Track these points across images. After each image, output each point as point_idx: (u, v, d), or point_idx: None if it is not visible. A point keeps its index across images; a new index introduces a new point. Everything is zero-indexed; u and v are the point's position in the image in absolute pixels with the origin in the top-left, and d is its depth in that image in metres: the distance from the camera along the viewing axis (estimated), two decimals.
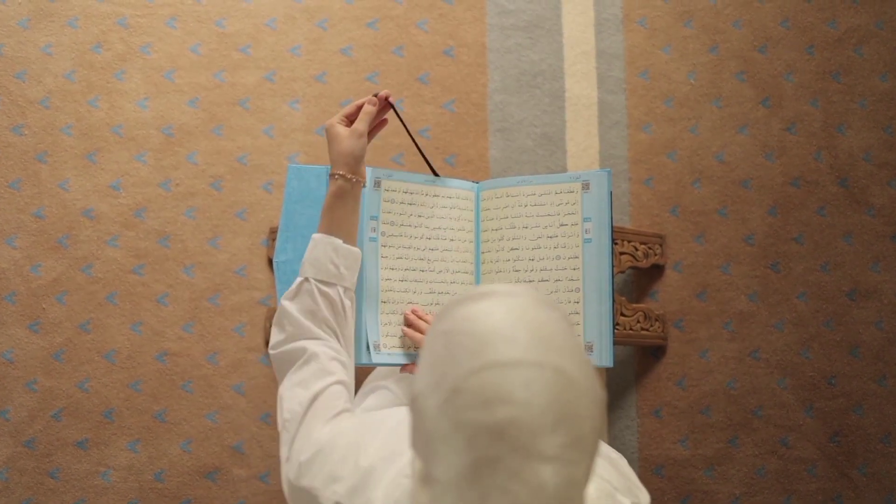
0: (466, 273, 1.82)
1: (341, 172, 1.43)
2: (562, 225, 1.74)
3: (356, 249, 1.45)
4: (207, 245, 2.11)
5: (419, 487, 0.96)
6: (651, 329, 2.04)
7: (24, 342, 2.08)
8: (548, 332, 0.90)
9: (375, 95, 1.50)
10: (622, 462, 1.26)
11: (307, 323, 1.38)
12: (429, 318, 1.68)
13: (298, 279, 1.42)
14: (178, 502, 2.05)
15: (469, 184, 1.87)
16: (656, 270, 2.11)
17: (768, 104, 2.16)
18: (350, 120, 1.48)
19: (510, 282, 1.73)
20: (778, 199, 2.13)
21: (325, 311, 1.39)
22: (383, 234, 1.76)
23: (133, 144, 2.14)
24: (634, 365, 2.10)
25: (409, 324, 1.67)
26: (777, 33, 2.17)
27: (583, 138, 2.16)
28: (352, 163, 1.44)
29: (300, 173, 1.82)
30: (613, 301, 1.69)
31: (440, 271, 1.79)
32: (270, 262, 2.06)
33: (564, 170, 2.14)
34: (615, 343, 1.81)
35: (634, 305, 2.03)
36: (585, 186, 1.73)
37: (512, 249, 1.76)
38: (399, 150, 2.14)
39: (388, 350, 1.69)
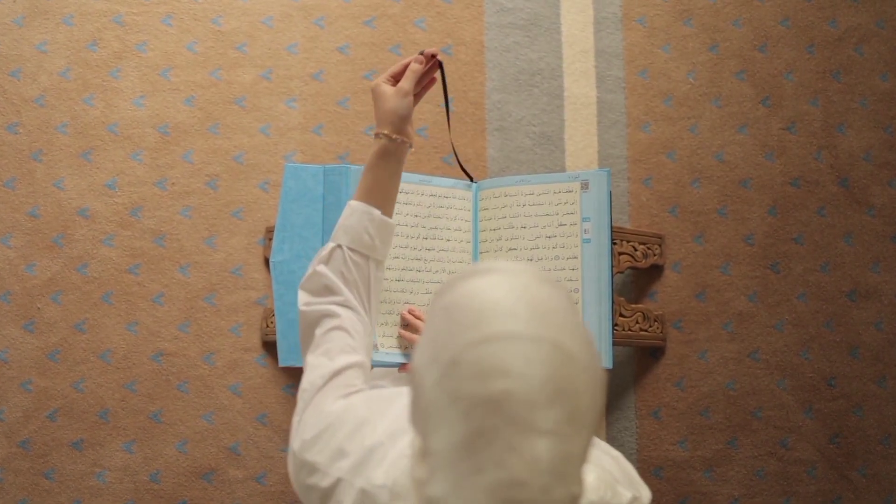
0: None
1: (385, 132, 1.39)
2: (560, 225, 1.72)
3: (392, 222, 1.41)
4: (203, 244, 2.09)
5: (417, 462, 0.95)
6: (650, 330, 2.02)
7: (19, 342, 2.05)
8: (548, 308, 0.89)
9: (422, 53, 1.45)
10: (623, 459, 1.24)
11: (340, 284, 1.35)
12: (422, 314, 1.66)
13: (331, 244, 1.38)
14: (174, 503, 2.03)
15: (465, 183, 1.85)
16: (655, 271, 2.09)
17: (768, 103, 2.14)
18: (396, 79, 1.44)
19: None
20: (778, 199, 2.11)
21: (358, 280, 1.36)
22: None
23: (128, 143, 2.11)
24: (633, 366, 2.08)
25: (405, 324, 1.65)
26: (777, 32, 2.15)
27: (581, 137, 2.14)
28: (397, 122, 1.39)
29: (297, 172, 1.81)
30: (613, 302, 1.68)
31: (437, 271, 1.77)
32: (267, 261, 2.04)
33: (563, 169, 2.12)
34: (614, 344, 1.80)
35: (633, 306, 2.01)
36: (584, 186, 1.71)
37: (510, 250, 1.74)
38: None
39: (385, 350, 1.67)
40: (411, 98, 1.41)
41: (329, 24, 2.15)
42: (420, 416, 0.90)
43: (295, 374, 2.05)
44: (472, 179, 1.83)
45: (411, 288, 1.72)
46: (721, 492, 2.04)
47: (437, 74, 1.50)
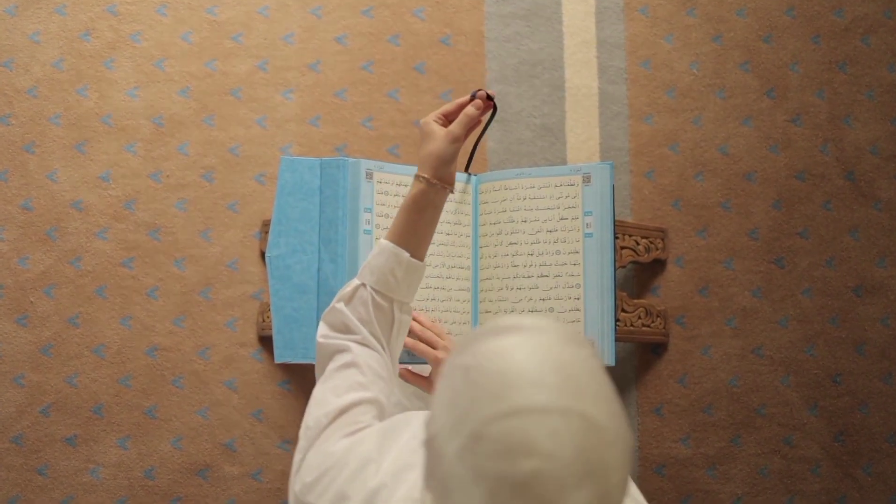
0: (463, 268, 1.76)
1: (426, 175, 1.33)
2: (562, 219, 1.67)
3: (421, 265, 1.36)
4: (199, 238, 2.05)
5: None
6: (652, 325, 1.98)
7: (12, 336, 2.01)
8: (575, 373, 0.84)
9: (474, 95, 1.39)
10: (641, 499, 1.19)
11: (358, 324, 1.31)
12: (429, 323, 1.62)
13: (355, 282, 1.34)
14: (169, 500, 1.99)
15: (466, 176, 1.81)
16: (658, 265, 2.05)
17: (773, 95, 2.09)
18: (448, 119, 1.39)
19: (508, 277, 1.68)
20: (782, 192, 2.06)
21: (377, 322, 1.32)
22: (377, 226, 1.70)
23: (123, 135, 2.07)
24: (635, 362, 2.04)
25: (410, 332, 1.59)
26: (782, 22, 2.10)
27: (583, 129, 2.09)
28: (439, 166, 1.34)
29: (293, 165, 1.77)
30: (616, 298, 1.63)
31: (437, 266, 1.73)
32: (263, 255, 1.99)
33: (564, 162, 2.07)
34: (616, 340, 1.76)
35: (635, 301, 1.97)
36: (586, 179, 1.67)
37: (510, 244, 1.70)
38: (395, 142, 2.08)
39: None
40: (461, 143, 1.37)
41: (326, 14, 2.10)
42: (439, 484, 0.86)
43: (291, 371, 2.01)
44: (468, 173, 1.79)
45: None
46: (724, 490, 2.00)
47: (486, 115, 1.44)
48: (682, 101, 2.09)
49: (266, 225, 1.99)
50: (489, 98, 1.40)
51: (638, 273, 2.05)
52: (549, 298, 1.65)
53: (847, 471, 2.00)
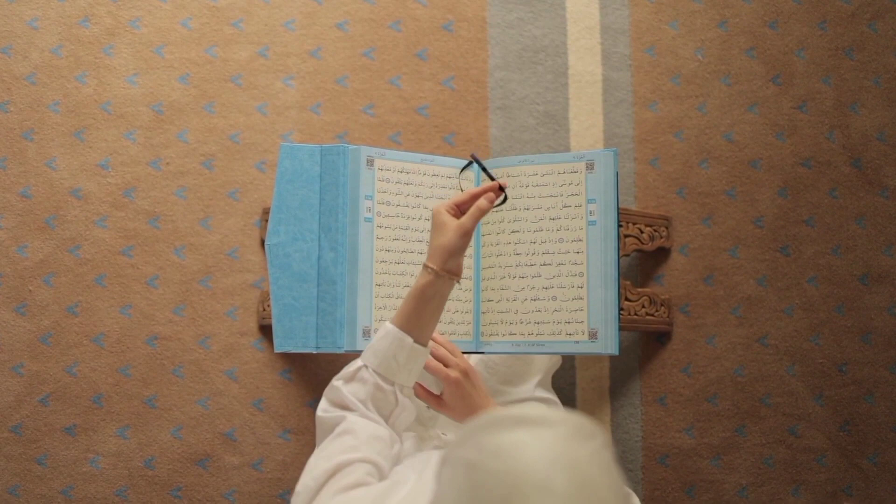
0: (466, 256, 1.72)
1: (434, 267, 1.33)
2: (565, 206, 1.63)
3: (425, 350, 1.36)
4: (199, 226, 2.01)
5: None
6: (656, 314, 1.94)
7: (10, 325, 1.98)
8: (587, 476, 0.78)
9: (474, 158, 1.44)
10: None
11: (358, 404, 1.31)
12: (442, 340, 1.57)
13: (358, 363, 1.34)
14: (169, 490, 1.96)
15: (469, 163, 1.77)
16: (662, 253, 2.01)
17: (779, 81, 2.05)
18: (460, 210, 1.37)
19: (510, 265, 1.64)
20: (788, 179, 2.02)
21: (376, 401, 1.32)
22: (378, 214, 1.66)
23: (122, 122, 2.03)
24: (639, 351, 2.00)
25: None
26: (788, 8, 2.06)
27: (586, 117, 2.05)
28: (448, 258, 1.34)
29: (293, 152, 1.72)
30: (620, 287, 1.59)
31: None
32: (264, 243, 1.96)
33: (568, 149, 2.03)
34: (620, 329, 1.72)
35: (639, 290, 1.93)
36: (590, 166, 1.63)
37: (513, 232, 1.66)
38: (396, 129, 2.04)
39: None
40: (470, 237, 1.36)
41: (327, 0, 2.06)
42: None
43: (292, 360, 1.98)
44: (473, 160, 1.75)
45: (411, 271, 1.64)
46: (728, 480, 1.96)
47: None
48: (687, 88, 2.05)
49: (267, 213, 1.95)
50: (501, 189, 1.40)
51: (642, 261, 2.01)
52: (552, 287, 1.61)
53: (853, 460, 1.96)
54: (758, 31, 2.06)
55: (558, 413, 0.84)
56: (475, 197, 1.37)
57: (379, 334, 1.35)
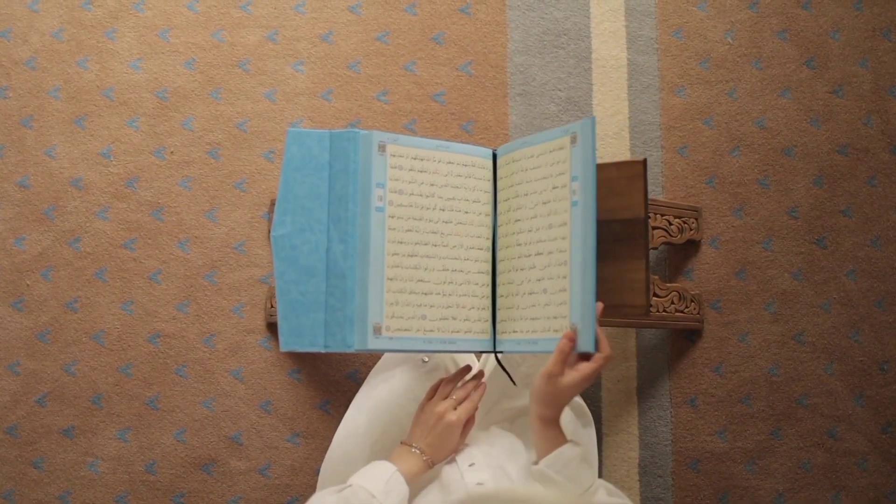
0: (482, 249, 1.48)
1: (426, 457, 1.23)
2: (554, 188, 1.38)
3: (406, 489, 1.20)
4: (204, 218, 1.78)
5: None
6: (686, 310, 1.70)
7: (7, 321, 1.76)
8: None
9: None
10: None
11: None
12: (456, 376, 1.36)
13: (346, 487, 1.20)
14: (171, 496, 1.72)
15: (485, 150, 1.53)
16: (692, 246, 1.77)
17: (813, 65, 1.80)
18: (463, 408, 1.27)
19: (515, 257, 1.40)
20: (824, 168, 1.78)
21: None
22: (391, 203, 1.43)
23: (125, 109, 1.80)
24: (668, 349, 1.76)
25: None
26: None
27: (611, 103, 1.81)
28: (439, 457, 1.24)
29: (300, 138, 1.49)
30: (595, 274, 1.33)
31: (454, 246, 1.46)
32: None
33: None
34: (646, 326, 1.48)
35: (668, 285, 1.69)
36: (573, 140, 1.37)
37: (516, 221, 1.43)
38: (411, 117, 1.80)
39: (390, 334, 1.36)
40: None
41: None
42: None
43: (301, 359, 1.75)
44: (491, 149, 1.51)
45: (426, 264, 1.41)
46: (764, 486, 1.72)
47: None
48: (717, 73, 1.81)
49: (275, 204, 1.72)
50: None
51: (671, 255, 1.77)
52: (543, 279, 1.36)
53: None
54: (790, 12, 1.81)
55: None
56: (470, 398, 1.29)
57: (371, 465, 1.23)
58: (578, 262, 1.30)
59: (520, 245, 1.41)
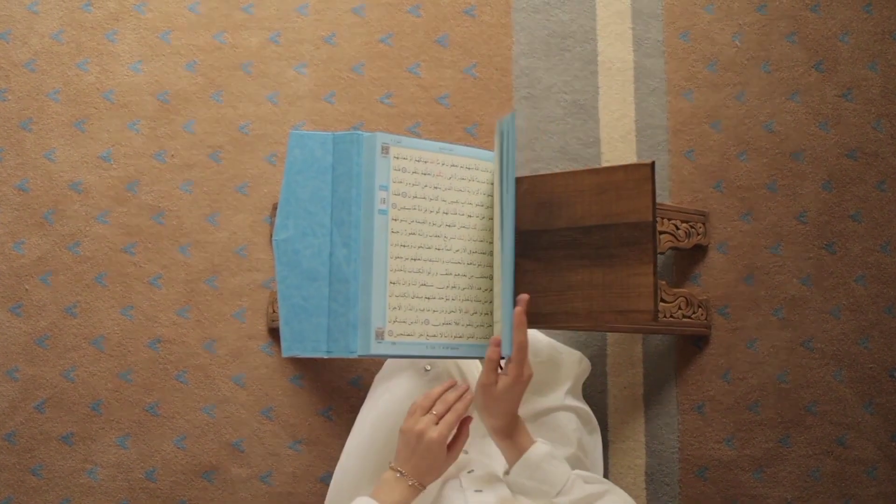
0: (485, 254, 1.45)
1: (412, 482, 1.18)
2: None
3: None
4: (205, 222, 1.75)
5: None
6: (693, 316, 1.67)
7: (5, 326, 1.73)
8: None
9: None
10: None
11: None
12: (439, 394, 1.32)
13: None
14: None
15: (489, 153, 1.50)
16: (699, 251, 1.73)
17: (822, 68, 1.77)
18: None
19: (497, 264, 1.38)
20: (833, 172, 1.74)
21: None
22: (394, 206, 1.39)
23: (125, 111, 1.78)
24: (675, 356, 1.72)
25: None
26: None
27: (617, 106, 1.78)
28: (427, 479, 1.20)
29: (303, 141, 1.46)
30: (514, 272, 1.31)
31: (457, 250, 1.43)
32: None
33: (598, 140, 1.76)
34: (653, 332, 1.45)
35: (675, 290, 1.65)
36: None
37: (493, 226, 1.42)
38: (415, 120, 1.77)
39: (393, 339, 1.33)
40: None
41: None
42: None
43: (303, 365, 1.71)
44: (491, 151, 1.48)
45: (429, 268, 1.38)
46: (772, 494, 1.68)
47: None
48: (724, 76, 1.77)
49: (277, 208, 1.69)
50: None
51: (678, 260, 1.74)
52: (498, 283, 1.36)
53: None
54: (799, 14, 1.78)
55: None
56: (460, 424, 1.25)
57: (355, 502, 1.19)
58: (498, 266, 1.32)
59: (495, 252, 1.39)
